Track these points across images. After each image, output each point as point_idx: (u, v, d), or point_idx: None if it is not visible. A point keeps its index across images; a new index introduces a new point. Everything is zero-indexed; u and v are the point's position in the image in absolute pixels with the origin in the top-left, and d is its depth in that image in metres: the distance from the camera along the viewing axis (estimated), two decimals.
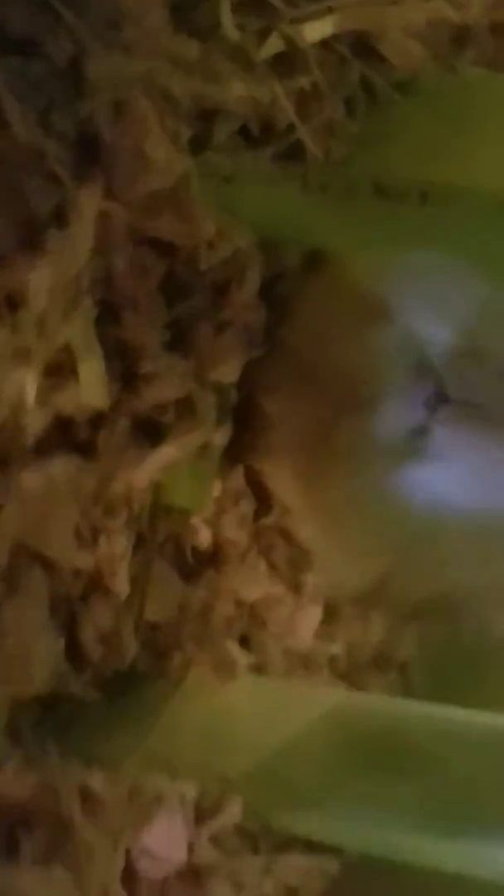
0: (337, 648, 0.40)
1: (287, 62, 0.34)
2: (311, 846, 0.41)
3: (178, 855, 0.34)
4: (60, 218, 0.26)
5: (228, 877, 0.37)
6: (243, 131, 0.34)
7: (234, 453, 0.36)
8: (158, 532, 0.34)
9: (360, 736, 0.32)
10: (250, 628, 0.38)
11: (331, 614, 0.40)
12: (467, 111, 0.39)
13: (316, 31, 0.35)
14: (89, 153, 0.26)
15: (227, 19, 0.28)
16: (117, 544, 0.32)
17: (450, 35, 0.43)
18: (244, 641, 0.38)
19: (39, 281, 0.26)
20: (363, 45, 0.37)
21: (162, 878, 0.35)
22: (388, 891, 0.43)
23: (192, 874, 0.36)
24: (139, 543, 0.34)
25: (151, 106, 0.26)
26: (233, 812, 0.34)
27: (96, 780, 0.30)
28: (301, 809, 0.32)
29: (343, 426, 0.33)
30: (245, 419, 0.35)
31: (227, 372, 0.33)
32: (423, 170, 0.37)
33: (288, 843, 0.38)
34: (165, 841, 0.34)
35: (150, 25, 0.26)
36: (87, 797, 0.29)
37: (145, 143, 0.26)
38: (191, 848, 0.34)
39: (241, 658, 0.36)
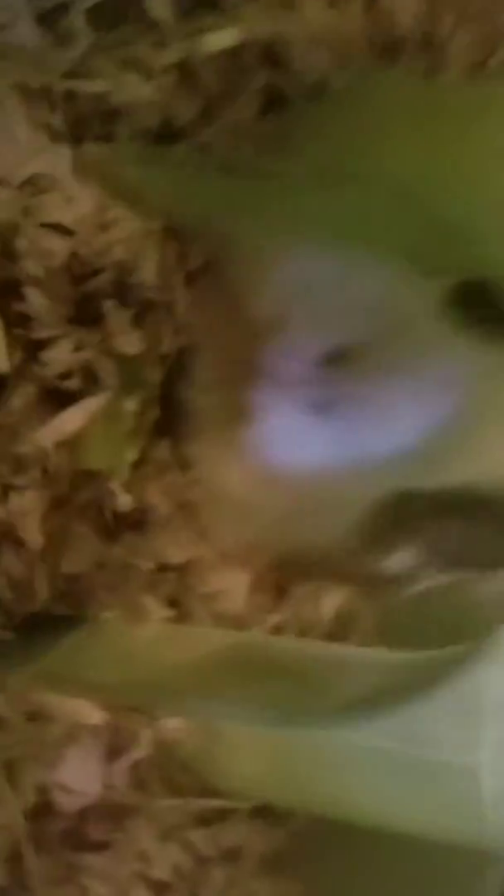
0: (279, 619, 0.43)
1: (186, 69, 0.38)
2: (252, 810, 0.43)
3: (93, 787, 0.37)
4: None
5: (151, 819, 0.39)
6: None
7: (162, 429, 0.39)
8: (77, 494, 0.38)
9: (247, 660, 0.35)
10: (178, 591, 0.41)
11: (277, 587, 0.43)
12: (374, 110, 0.42)
13: (216, 41, 0.39)
14: None
15: (80, 25, 0.32)
16: (27, 500, 0.36)
17: (382, 46, 0.46)
18: (174, 604, 0.41)
19: None
20: (269, 53, 0.41)
21: (77, 812, 0.37)
22: (339, 859, 0.45)
23: (111, 812, 0.38)
24: (58, 503, 0.38)
25: (23, 100, 0.31)
26: (145, 743, 0.36)
27: None
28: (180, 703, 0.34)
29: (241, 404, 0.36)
30: (169, 403, 0.38)
31: (129, 343, 0.36)
32: (327, 161, 0.40)
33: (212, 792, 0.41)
34: (78, 772, 0.37)
35: (20, 34, 0.31)
36: None
37: (18, 131, 0.30)
38: (105, 781, 0.37)
39: (158, 610, 0.39)
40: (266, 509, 0.35)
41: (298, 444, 0.33)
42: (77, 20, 0.32)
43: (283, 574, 0.39)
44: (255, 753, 0.40)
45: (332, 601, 0.43)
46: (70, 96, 0.33)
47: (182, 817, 0.40)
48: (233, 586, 0.41)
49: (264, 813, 0.44)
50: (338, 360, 0.32)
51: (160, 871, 0.39)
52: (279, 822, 0.45)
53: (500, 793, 0.37)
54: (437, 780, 0.37)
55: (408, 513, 0.35)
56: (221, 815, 0.43)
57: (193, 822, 0.40)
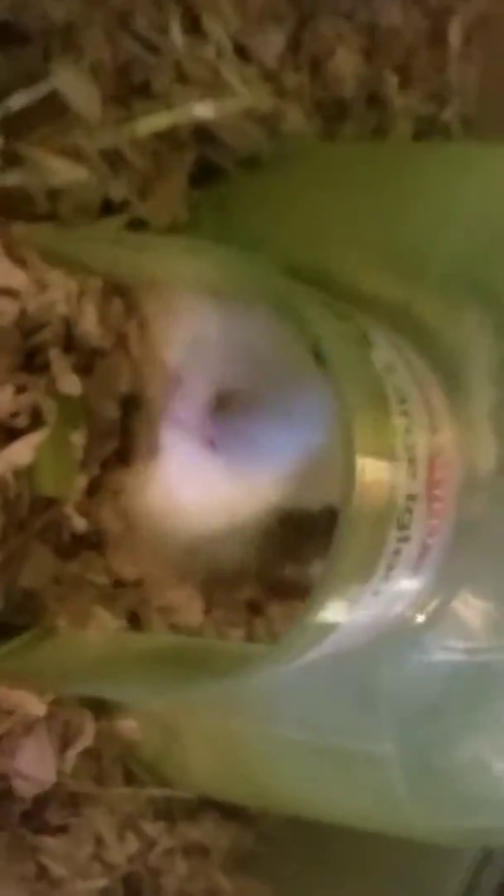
0: (245, 633, 0.47)
1: (119, 152, 0.44)
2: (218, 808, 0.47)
3: (48, 776, 0.42)
4: None
5: (108, 807, 0.43)
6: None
7: (121, 459, 0.45)
8: (36, 518, 0.44)
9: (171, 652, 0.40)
10: (135, 604, 0.45)
11: (250, 603, 0.47)
12: (294, 177, 0.47)
13: (148, 125, 0.45)
14: None
15: None
16: None
17: (333, 109, 0.51)
18: (132, 616, 0.45)
19: None
20: (200, 130, 0.47)
21: (34, 798, 0.42)
22: (305, 857, 0.48)
23: (69, 800, 0.43)
24: (19, 527, 0.43)
25: None
26: (90, 735, 0.41)
27: None
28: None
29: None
30: (127, 437, 0.44)
31: (71, 384, 0.42)
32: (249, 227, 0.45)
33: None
34: (35, 761, 0.42)
35: None
36: None
37: None
38: (60, 770, 0.42)
39: (114, 621, 0.44)
40: (180, 534, 0.40)
41: (197, 477, 0.38)
42: None
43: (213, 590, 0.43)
44: (208, 750, 0.44)
45: None
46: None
47: (139, 807, 0.44)
48: (190, 600, 0.46)
49: (235, 813, 0.48)
50: (224, 403, 0.37)
51: (117, 857, 0.43)
52: (249, 822, 0.49)
53: (411, 783, 0.40)
54: (354, 768, 0.40)
55: (312, 530, 0.39)
56: (190, 812, 0.47)
57: (153, 813, 0.45)
